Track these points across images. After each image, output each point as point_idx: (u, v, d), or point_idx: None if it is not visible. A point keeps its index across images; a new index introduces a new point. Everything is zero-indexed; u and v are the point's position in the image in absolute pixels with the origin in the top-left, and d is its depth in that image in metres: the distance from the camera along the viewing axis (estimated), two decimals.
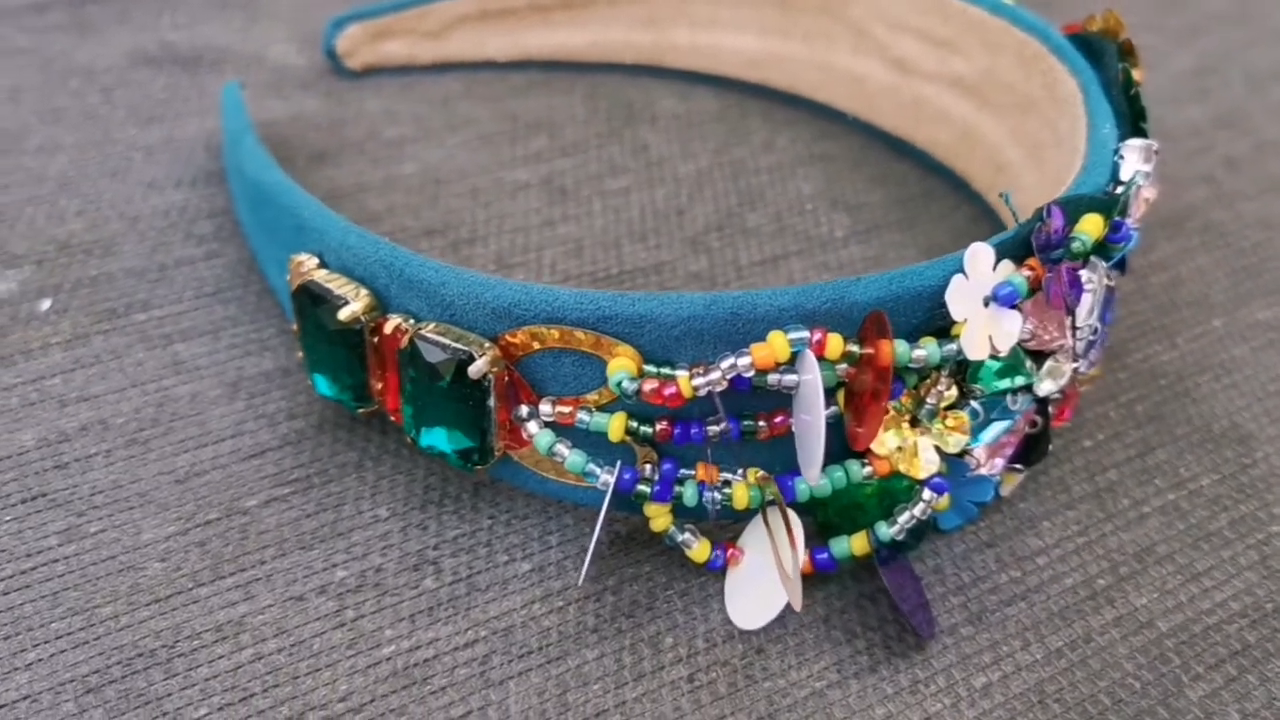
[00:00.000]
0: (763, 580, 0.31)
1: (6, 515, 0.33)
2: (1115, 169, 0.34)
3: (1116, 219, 0.32)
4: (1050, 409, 0.33)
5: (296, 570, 0.32)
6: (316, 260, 0.34)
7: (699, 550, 0.32)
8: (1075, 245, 0.30)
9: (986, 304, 0.29)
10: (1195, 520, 0.35)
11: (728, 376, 0.28)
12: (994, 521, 0.35)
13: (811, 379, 0.28)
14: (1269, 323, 0.43)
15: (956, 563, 0.34)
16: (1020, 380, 0.31)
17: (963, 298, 0.29)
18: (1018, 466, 0.34)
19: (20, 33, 0.56)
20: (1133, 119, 0.37)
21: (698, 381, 0.28)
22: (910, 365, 0.29)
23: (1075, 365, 0.33)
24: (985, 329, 0.29)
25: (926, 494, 0.31)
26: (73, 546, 0.32)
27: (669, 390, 0.29)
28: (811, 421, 0.28)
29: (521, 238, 0.45)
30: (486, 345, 0.30)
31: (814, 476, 0.29)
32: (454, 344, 0.30)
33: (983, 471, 0.32)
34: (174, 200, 0.46)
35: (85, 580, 0.31)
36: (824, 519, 0.32)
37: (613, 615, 0.31)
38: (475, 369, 0.30)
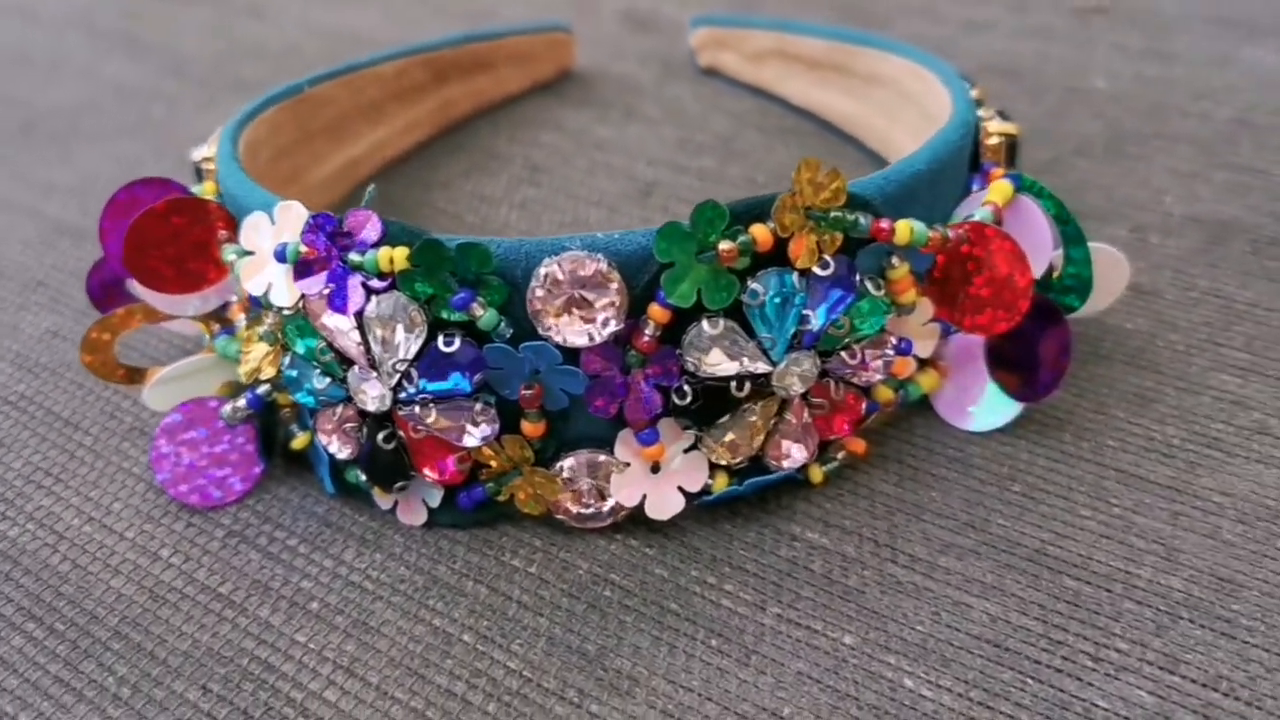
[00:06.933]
0: None
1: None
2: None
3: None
4: (390, 430, 0.33)
5: None
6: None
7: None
8: (351, 257, 0.31)
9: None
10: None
11: None
12: (378, 519, 0.36)
13: None
14: None
15: (283, 499, 0.37)
16: (304, 354, 0.33)
17: (260, 234, 0.33)
18: (357, 469, 0.35)
19: None
20: None
21: None
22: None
23: (386, 394, 0.32)
24: (269, 275, 0.33)
25: (243, 399, 0.36)
26: None
27: None
28: None
29: (560, 199, 0.52)
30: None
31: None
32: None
33: (321, 438, 0.35)
34: None
35: None
36: None
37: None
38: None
